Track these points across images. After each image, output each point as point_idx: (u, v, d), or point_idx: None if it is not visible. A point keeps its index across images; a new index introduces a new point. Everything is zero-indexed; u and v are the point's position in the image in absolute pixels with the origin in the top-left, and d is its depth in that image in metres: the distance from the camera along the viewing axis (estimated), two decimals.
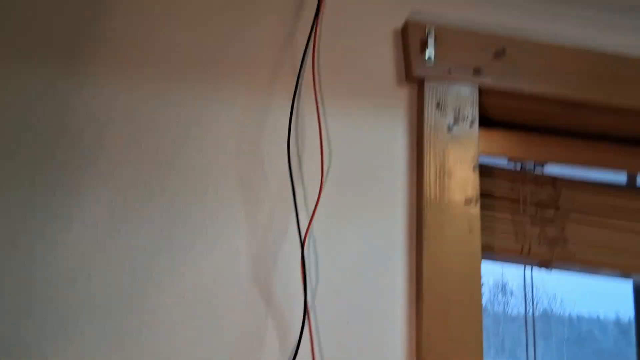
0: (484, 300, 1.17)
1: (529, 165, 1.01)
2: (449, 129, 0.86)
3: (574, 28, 0.98)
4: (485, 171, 0.95)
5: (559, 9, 0.98)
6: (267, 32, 0.85)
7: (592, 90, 0.93)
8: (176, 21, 0.82)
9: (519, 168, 1.01)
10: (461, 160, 0.85)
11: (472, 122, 0.87)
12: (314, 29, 0.86)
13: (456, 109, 0.87)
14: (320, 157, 0.80)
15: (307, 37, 0.85)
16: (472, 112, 0.88)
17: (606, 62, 0.95)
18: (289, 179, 0.78)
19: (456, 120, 0.87)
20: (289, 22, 0.87)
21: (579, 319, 1.18)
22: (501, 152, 0.98)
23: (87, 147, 0.75)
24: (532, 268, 1.02)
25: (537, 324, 1.04)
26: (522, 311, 1.06)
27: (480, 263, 0.82)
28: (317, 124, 0.81)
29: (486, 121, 0.94)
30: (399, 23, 0.90)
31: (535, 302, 1.12)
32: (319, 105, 0.83)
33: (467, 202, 0.84)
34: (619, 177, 1.06)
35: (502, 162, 1.01)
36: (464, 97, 0.88)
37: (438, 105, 0.87)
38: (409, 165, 0.85)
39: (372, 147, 0.84)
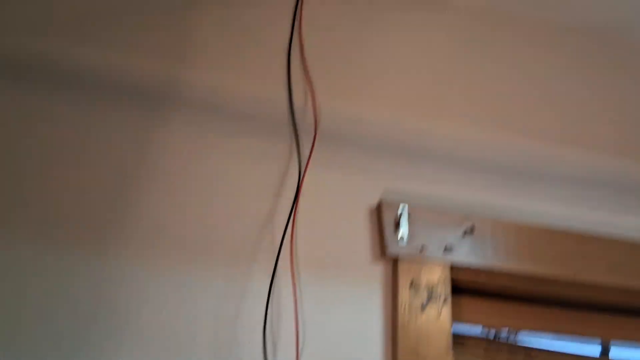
0: None
1: (503, 333, 1.03)
2: (422, 308, 0.89)
3: (541, 206, 1.04)
4: (458, 340, 0.96)
5: (526, 188, 1.05)
6: (248, 212, 0.89)
7: (559, 267, 0.97)
8: (159, 203, 0.86)
9: (492, 336, 1.02)
10: (435, 341, 0.87)
11: (444, 300, 0.90)
12: (294, 208, 0.90)
13: (429, 288, 0.90)
14: (296, 343, 0.81)
15: (287, 215, 0.90)
16: (444, 290, 0.91)
17: (572, 240, 1.00)
18: None
19: (429, 299, 0.89)
20: (270, 201, 0.91)
21: None
22: (474, 320, 1.00)
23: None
24: None
25: None
26: None
27: None
28: (293, 306, 0.83)
29: (459, 290, 0.97)
30: (374, 201, 0.95)
31: None
32: (296, 286, 0.85)
33: None
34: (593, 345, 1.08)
35: (475, 329, 1.03)
36: (436, 275, 0.91)
37: (412, 284, 0.90)
38: (384, 347, 0.86)
39: (347, 329, 0.85)
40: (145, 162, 0.88)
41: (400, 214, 0.92)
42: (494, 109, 1.10)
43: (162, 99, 0.93)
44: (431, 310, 0.89)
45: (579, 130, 1.13)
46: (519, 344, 1.03)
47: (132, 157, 0.88)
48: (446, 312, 0.89)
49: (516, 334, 1.04)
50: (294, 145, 0.95)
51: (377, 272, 0.91)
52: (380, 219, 0.93)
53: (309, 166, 0.94)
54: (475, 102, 1.09)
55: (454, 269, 0.93)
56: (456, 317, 0.94)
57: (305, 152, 0.95)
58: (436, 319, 0.88)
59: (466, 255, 0.94)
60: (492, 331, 1.02)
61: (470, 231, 0.95)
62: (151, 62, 0.95)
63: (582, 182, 1.09)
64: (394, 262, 0.91)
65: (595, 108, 1.16)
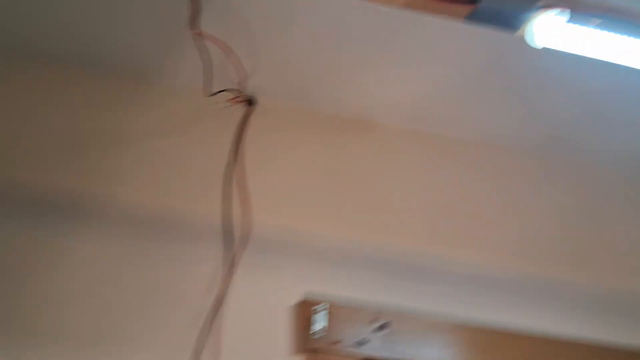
0: None
1: None
2: None
3: (450, 304, 1.15)
4: None
5: (438, 287, 1.17)
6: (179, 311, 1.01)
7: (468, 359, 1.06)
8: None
9: None
10: None
11: None
12: (219, 307, 1.02)
13: None
14: None
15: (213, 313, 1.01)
16: None
17: (479, 335, 1.09)
18: None
19: None
20: (198, 302, 1.03)
21: None
22: None
23: None
24: None
25: None
26: None
27: None
28: None
29: None
30: (296, 300, 1.07)
31: None
32: None
33: None
34: None
35: None
36: None
37: None
38: None
39: None
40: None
41: (318, 312, 1.04)
42: (411, 219, 1.24)
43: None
44: None
45: (482, 235, 1.26)
46: None
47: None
48: None
49: None
50: (226, 250, 1.09)
51: None
52: (299, 316, 1.04)
53: (240, 269, 1.07)
54: (392, 214, 1.23)
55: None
56: None
57: (236, 258, 1.08)
58: None
59: (378, 349, 1.03)
60: None
61: (383, 327, 1.06)
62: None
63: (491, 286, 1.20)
64: (312, 353, 1.01)
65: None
